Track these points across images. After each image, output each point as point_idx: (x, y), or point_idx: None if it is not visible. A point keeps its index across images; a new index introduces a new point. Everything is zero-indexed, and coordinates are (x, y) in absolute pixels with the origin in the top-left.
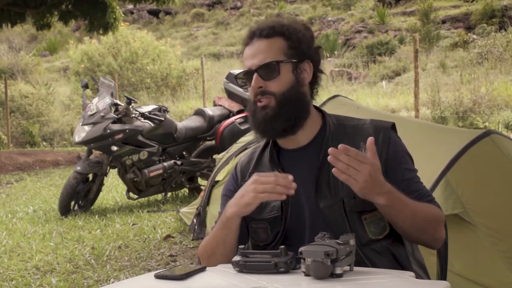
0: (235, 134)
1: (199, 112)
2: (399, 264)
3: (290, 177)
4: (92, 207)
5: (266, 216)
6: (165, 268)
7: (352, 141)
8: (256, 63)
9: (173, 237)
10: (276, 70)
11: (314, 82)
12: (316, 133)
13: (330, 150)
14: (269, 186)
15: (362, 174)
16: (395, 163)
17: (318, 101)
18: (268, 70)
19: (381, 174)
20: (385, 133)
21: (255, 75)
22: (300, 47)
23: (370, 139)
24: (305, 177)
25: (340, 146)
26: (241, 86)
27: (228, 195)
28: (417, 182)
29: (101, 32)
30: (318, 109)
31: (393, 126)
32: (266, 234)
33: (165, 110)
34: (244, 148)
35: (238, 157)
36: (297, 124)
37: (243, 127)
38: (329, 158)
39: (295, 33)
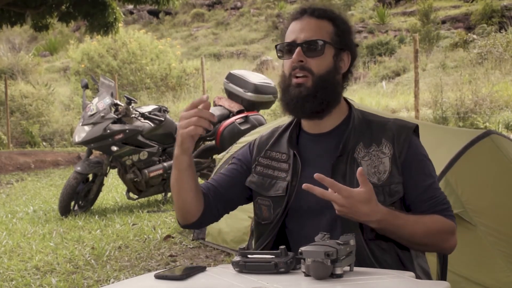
0: (235, 134)
1: None
2: (402, 264)
3: (205, 96)
4: (92, 207)
5: (272, 194)
6: (165, 268)
7: (375, 137)
8: (302, 38)
9: (173, 237)
10: (320, 49)
11: (347, 74)
12: (339, 123)
13: (304, 186)
14: (193, 119)
15: (336, 204)
16: (414, 167)
17: None
18: (312, 47)
19: (367, 203)
20: (407, 133)
21: (298, 48)
22: (344, 36)
23: (359, 171)
24: (320, 163)
25: (315, 175)
26: (280, 56)
27: (237, 157)
28: (435, 189)
29: (101, 33)
30: (346, 101)
31: (415, 129)
32: (268, 212)
33: (165, 111)
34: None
35: None
36: (326, 110)
37: (243, 127)
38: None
39: (344, 22)
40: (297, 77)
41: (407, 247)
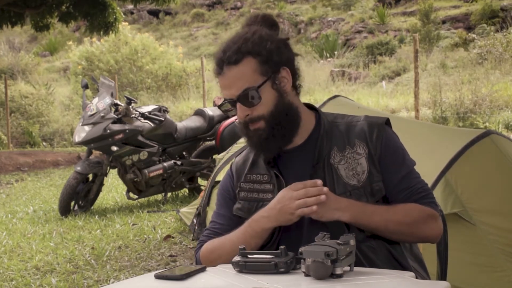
0: (235, 134)
1: (199, 113)
2: (395, 259)
3: (319, 182)
4: (92, 207)
5: None
6: (165, 268)
7: (347, 139)
8: (234, 93)
9: (173, 237)
10: (256, 96)
11: (295, 80)
12: (310, 132)
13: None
14: (310, 200)
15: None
16: (388, 159)
17: (318, 101)
18: (249, 98)
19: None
20: (379, 129)
21: (238, 105)
22: (272, 58)
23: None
24: (301, 176)
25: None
26: (225, 113)
27: (226, 194)
28: (410, 178)
29: (101, 33)
30: (310, 107)
31: (387, 122)
32: None
33: (165, 111)
34: (244, 149)
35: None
36: (292, 136)
37: None
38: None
39: (263, 45)
40: (250, 126)
41: (390, 240)
